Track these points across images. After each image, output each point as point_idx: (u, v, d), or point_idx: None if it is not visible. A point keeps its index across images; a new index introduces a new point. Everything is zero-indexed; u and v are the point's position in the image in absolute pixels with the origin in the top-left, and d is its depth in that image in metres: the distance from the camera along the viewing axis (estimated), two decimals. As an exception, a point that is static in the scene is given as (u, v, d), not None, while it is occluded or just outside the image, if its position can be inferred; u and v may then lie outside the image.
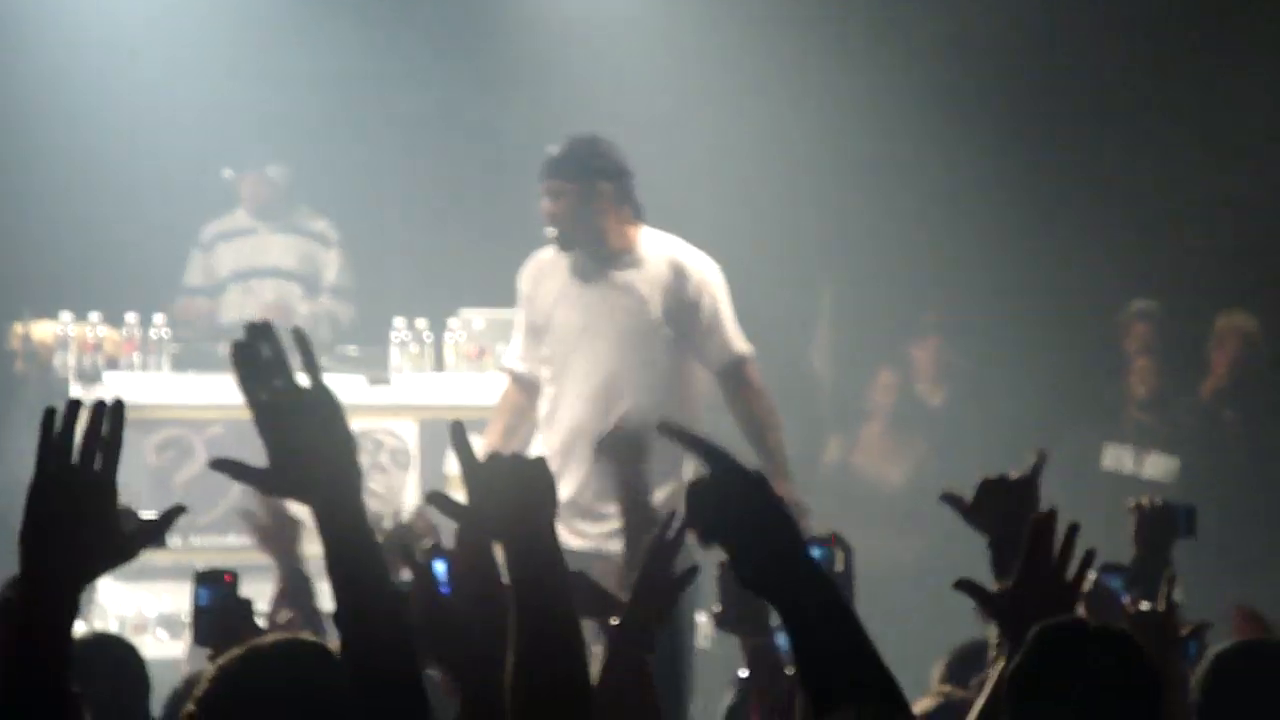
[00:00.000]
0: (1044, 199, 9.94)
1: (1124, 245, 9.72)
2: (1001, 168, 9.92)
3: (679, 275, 6.66)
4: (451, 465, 8.08)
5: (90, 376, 8.00)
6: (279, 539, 5.13)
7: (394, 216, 10.08)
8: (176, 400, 8.02)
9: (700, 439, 2.49)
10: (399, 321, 8.36)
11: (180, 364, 8.25)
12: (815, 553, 3.96)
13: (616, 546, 6.13)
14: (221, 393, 7.66)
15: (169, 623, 7.55)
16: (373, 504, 8.15)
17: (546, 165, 6.65)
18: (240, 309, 9.15)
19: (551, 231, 6.67)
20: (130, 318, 8.30)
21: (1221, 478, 8.78)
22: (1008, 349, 9.64)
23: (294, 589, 5.01)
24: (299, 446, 2.41)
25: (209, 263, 9.44)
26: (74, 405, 2.43)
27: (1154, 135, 9.89)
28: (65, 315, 8.19)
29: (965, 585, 3.38)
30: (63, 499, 2.38)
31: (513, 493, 2.55)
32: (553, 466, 2.68)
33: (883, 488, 9.41)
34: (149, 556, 2.68)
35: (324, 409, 2.41)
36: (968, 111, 9.90)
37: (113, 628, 7.31)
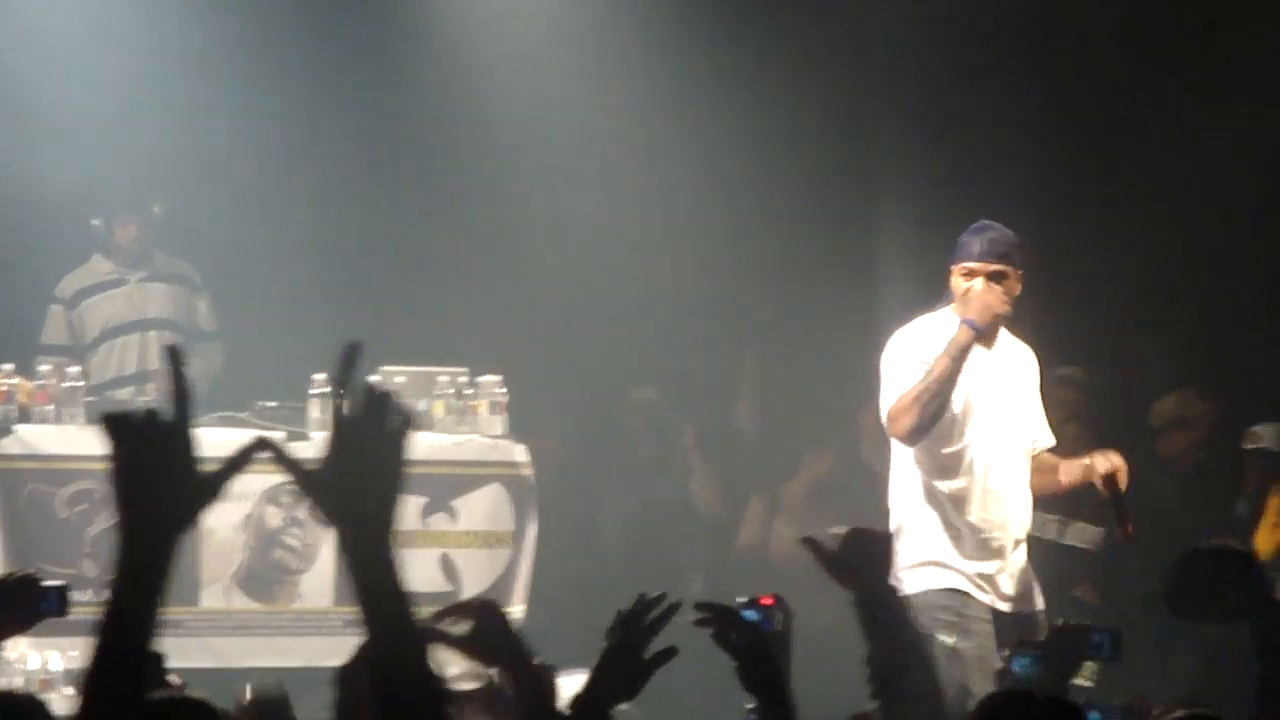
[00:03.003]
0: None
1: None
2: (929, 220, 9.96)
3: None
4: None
5: (1, 428, 7.85)
6: None
7: (315, 270, 9.95)
8: (90, 451, 7.85)
9: None
10: (319, 377, 8.25)
11: (94, 416, 8.11)
12: (751, 615, 3.91)
13: None
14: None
15: (77, 680, 7.38)
16: (288, 558, 8.06)
17: (1007, 248, 6.79)
18: (120, 365, 8.96)
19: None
20: (45, 368, 8.16)
21: (1155, 548, 8.70)
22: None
23: None
24: (361, 468, 2.40)
25: (76, 319, 9.06)
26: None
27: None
28: (-23, 364, 8.04)
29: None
30: (145, 451, 2.40)
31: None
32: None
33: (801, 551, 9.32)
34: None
35: (399, 449, 2.42)
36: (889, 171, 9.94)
37: (19, 685, 7.15)
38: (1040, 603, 6.84)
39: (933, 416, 6.72)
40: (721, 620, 3.41)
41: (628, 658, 3.39)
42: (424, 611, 3.45)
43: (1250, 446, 9.28)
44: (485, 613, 3.59)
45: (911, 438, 6.79)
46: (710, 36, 9.96)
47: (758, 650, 3.39)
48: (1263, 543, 8.72)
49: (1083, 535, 8.93)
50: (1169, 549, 8.26)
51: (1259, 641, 4.36)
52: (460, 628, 3.54)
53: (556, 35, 10.00)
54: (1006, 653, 4.93)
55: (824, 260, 9.93)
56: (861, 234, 9.96)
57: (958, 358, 6.70)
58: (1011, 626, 6.60)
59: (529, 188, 9.97)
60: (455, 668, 3.51)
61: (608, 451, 9.75)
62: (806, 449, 9.59)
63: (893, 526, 6.82)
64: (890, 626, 3.75)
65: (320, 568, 7.95)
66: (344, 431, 2.41)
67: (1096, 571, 8.80)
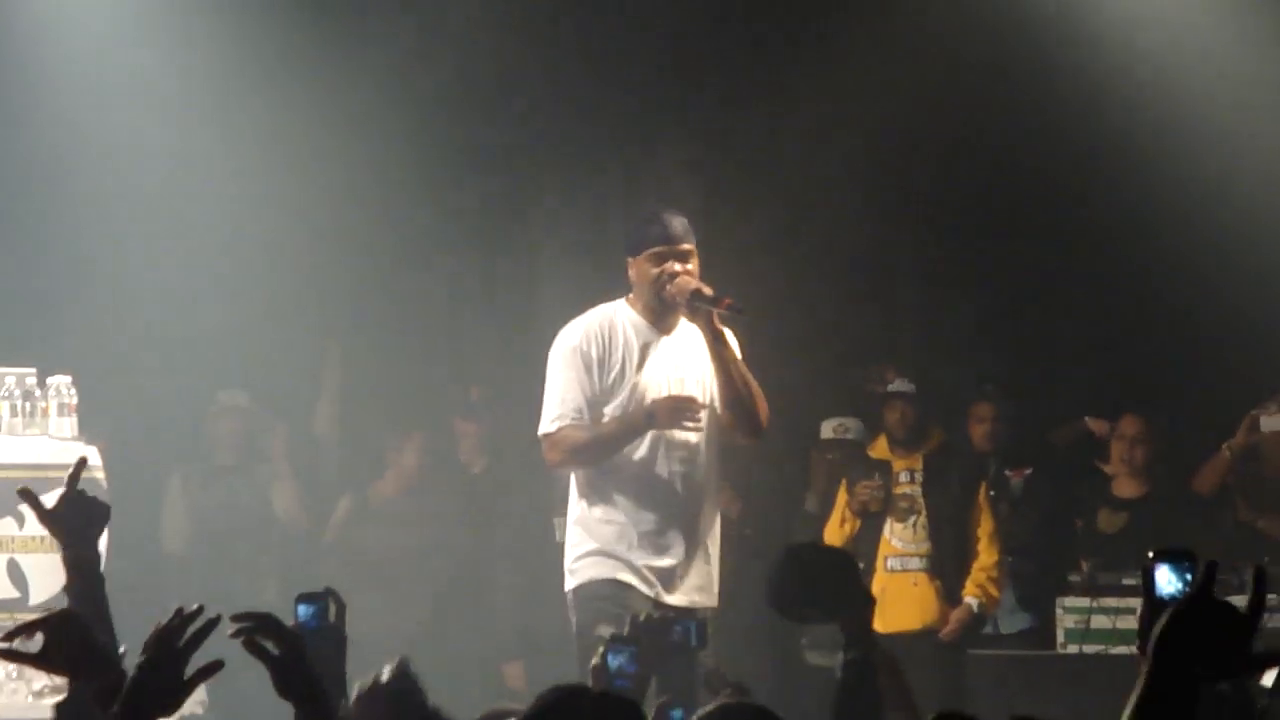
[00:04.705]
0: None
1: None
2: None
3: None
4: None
5: None
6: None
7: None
8: None
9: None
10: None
11: None
12: (306, 609, 3.89)
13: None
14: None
15: None
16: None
17: (687, 229, 6.79)
18: None
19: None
20: None
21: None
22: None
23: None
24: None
25: None
26: None
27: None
28: None
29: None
30: None
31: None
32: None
33: (393, 551, 9.24)
34: None
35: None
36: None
37: None
38: (714, 599, 6.77)
39: (586, 466, 6.79)
40: (258, 629, 3.32)
41: (163, 674, 3.22)
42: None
43: (832, 437, 9.49)
44: (62, 624, 3.50)
45: (557, 470, 6.97)
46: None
47: (291, 657, 3.31)
48: (832, 537, 8.92)
49: None
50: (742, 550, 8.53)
51: (848, 634, 4.47)
52: (34, 643, 3.46)
53: (155, 22, 9.78)
54: (602, 650, 4.95)
55: (416, 252, 9.96)
56: (465, 231, 10.03)
57: (627, 435, 6.70)
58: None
59: (108, 184, 9.73)
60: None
61: (188, 455, 9.57)
62: (389, 446, 9.52)
63: (570, 519, 6.83)
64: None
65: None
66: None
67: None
